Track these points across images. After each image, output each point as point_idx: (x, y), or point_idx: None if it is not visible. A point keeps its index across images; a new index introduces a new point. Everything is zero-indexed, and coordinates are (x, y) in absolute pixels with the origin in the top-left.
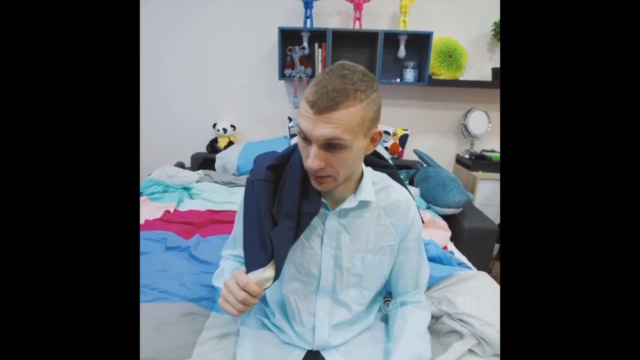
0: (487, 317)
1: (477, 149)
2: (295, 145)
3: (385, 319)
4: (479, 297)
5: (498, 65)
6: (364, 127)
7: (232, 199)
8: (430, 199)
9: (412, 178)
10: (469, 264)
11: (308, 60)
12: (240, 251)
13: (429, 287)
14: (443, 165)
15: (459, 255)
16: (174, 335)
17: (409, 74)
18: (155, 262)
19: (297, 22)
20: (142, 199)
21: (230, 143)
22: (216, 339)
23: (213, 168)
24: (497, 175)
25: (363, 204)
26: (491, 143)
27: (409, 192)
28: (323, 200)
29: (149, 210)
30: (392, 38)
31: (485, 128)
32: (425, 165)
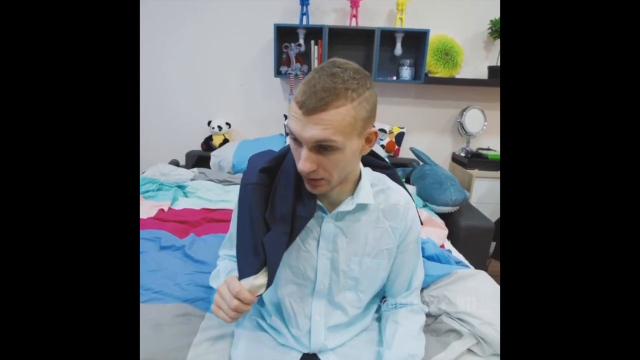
0: (486, 317)
1: (473, 147)
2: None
3: (381, 320)
4: (478, 296)
5: (494, 63)
6: (357, 128)
7: (228, 197)
8: (426, 197)
9: (409, 176)
10: (467, 262)
11: (304, 57)
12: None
13: (427, 286)
14: (439, 164)
15: (457, 254)
16: (169, 337)
17: (406, 72)
18: (149, 261)
19: (293, 19)
20: None
21: (226, 141)
22: (211, 341)
23: (208, 166)
24: (493, 174)
25: (361, 207)
26: (487, 141)
27: (409, 193)
28: (319, 202)
29: (142, 208)
30: (388, 35)
31: (482, 126)
32: (421, 163)
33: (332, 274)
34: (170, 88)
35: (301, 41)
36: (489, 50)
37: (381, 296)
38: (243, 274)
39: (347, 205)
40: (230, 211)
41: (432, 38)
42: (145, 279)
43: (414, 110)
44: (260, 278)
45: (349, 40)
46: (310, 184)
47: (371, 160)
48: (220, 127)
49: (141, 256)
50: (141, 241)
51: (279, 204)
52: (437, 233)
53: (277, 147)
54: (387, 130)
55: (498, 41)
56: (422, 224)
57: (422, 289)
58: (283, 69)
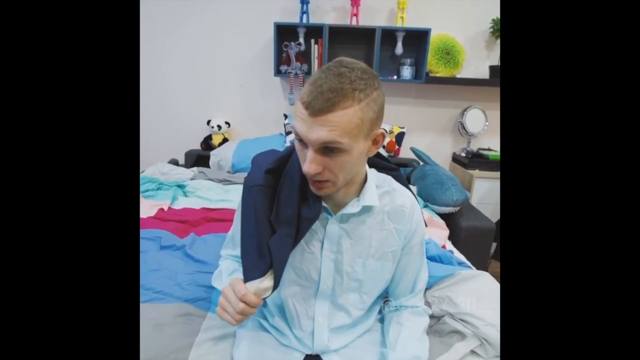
0: (489, 318)
1: (474, 147)
2: (294, 146)
3: (383, 321)
4: (481, 297)
5: (496, 63)
6: (364, 129)
7: (228, 197)
8: (427, 198)
9: (409, 176)
10: (469, 263)
11: (304, 56)
12: (239, 251)
13: (429, 287)
14: (439, 164)
15: (458, 255)
16: (170, 337)
17: (406, 71)
18: (150, 261)
19: (293, 18)
20: None
21: (225, 140)
22: (213, 341)
23: (207, 165)
24: (494, 174)
25: (366, 209)
26: (488, 141)
27: (414, 195)
28: (324, 204)
29: (142, 208)
30: (389, 35)
31: (482, 126)
32: (422, 163)
33: (335, 275)
34: (169, 86)
35: (301, 40)
36: (490, 50)
37: (383, 297)
38: (248, 276)
39: (352, 207)
40: (230, 211)
41: (433, 37)
42: (145, 278)
43: (415, 109)
44: (267, 281)
45: (350, 39)
46: (315, 186)
47: (376, 162)
48: (219, 127)
49: (141, 256)
50: (141, 241)
51: (284, 206)
52: (439, 233)
53: (277, 147)
54: (388, 130)
55: (499, 41)
56: (426, 225)
57: (425, 290)
58: (283, 67)
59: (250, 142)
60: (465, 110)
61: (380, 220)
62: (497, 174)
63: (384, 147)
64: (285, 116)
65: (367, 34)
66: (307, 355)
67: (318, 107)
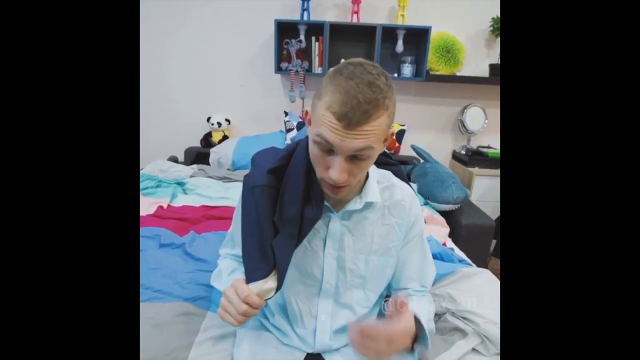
0: (490, 315)
1: (474, 144)
2: (296, 145)
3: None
4: (482, 294)
5: (495, 61)
6: (387, 133)
7: (228, 194)
8: (428, 195)
9: (409, 174)
10: (469, 260)
11: (305, 53)
12: (238, 250)
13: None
14: (440, 161)
15: (459, 252)
16: (170, 337)
17: (407, 69)
18: (149, 259)
19: (293, 15)
20: None
21: (225, 137)
22: (213, 340)
23: (207, 162)
24: (494, 172)
25: (367, 205)
26: (488, 139)
27: (413, 189)
28: (326, 203)
29: (141, 205)
30: (390, 32)
31: (482, 124)
32: (422, 160)
33: (338, 272)
34: (169, 84)
35: (302, 37)
36: (490, 48)
37: (384, 296)
38: (251, 277)
39: (355, 204)
40: (230, 208)
41: (434, 35)
42: (145, 277)
43: (415, 107)
44: (270, 282)
45: (350, 36)
46: (333, 191)
47: (379, 158)
48: (219, 124)
49: (141, 254)
50: (140, 239)
51: (288, 206)
52: (439, 231)
53: (277, 144)
54: None
55: (499, 39)
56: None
57: None
58: (283, 65)
59: (250, 139)
60: (465, 108)
61: (381, 215)
62: (497, 172)
63: None
64: (286, 113)
65: (367, 31)
66: (308, 354)
67: (356, 120)
